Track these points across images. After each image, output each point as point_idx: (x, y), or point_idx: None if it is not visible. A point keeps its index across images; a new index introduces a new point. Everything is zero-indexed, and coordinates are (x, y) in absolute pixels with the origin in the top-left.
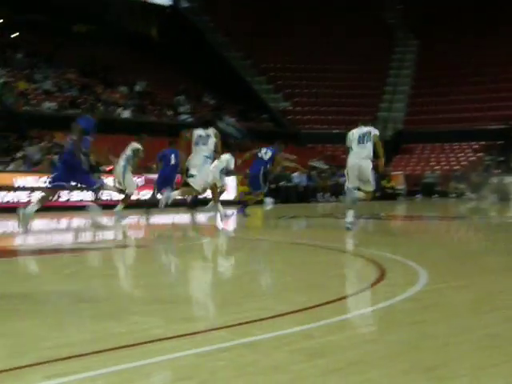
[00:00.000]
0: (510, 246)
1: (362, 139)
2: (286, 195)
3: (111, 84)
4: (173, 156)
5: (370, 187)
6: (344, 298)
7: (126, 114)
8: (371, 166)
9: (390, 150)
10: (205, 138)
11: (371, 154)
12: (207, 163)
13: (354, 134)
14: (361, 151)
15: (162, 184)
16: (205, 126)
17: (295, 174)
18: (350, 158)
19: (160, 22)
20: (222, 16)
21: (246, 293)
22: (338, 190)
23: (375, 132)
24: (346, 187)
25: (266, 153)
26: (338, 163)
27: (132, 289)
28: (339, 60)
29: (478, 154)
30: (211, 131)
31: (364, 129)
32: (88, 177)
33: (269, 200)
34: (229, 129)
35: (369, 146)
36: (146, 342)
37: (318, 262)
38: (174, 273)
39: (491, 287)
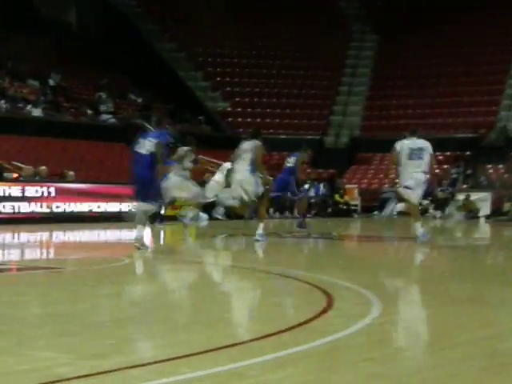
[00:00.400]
0: (476, 271)
1: (414, 155)
2: (226, 210)
3: (19, 76)
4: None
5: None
6: (283, 331)
7: (37, 112)
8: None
9: (343, 159)
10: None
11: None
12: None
13: (404, 146)
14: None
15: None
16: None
17: None
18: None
19: (79, 6)
20: (151, 0)
21: (170, 324)
22: (284, 206)
23: (430, 150)
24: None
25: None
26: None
27: (36, 318)
28: (287, 55)
29: (444, 166)
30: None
31: (418, 142)
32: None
33: (203, 216)
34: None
35: (423, 163)
36: (48, 383)
37: (255, 288)
38: (85, 300)
39: (452, 320)
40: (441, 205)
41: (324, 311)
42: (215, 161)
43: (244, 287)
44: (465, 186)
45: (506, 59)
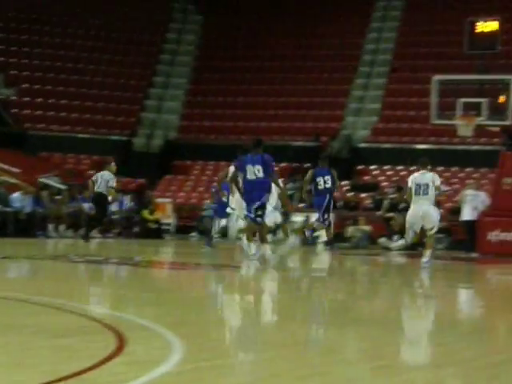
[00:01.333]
0: (307, 310)
1: (420, 189)
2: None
3: None
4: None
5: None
6: (54, 382)
7: None
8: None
9: (156, 167)
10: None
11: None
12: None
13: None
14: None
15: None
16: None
17: (15, 195)
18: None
19: None
20: None
21: None
22: (78, 221)
23: (438, 182)
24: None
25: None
26: (82, 181)
27: None
28: (90, 35)
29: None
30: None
31: (427, 176)
32: None
33: None
34: None
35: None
36: None
37: (25, 325)
38: None
39: (272, 366)
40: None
41: (110, 357)
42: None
43: (8, 325)
44: (302, 205)
45: (355, 55)
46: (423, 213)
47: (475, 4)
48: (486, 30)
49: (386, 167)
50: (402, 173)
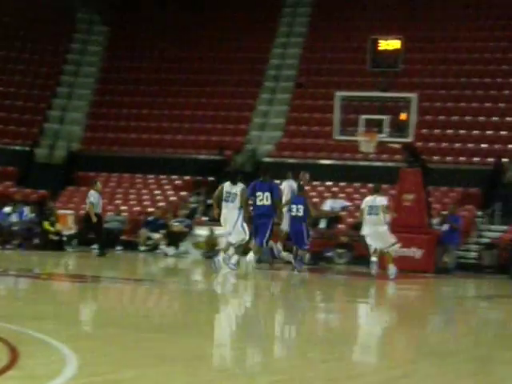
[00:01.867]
0: (208, 324)
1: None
2: None
3: None
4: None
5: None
6: None
7: None
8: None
9: (59, 178)
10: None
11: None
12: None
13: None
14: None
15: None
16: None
17: None
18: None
19: None
20: None
21: None
22: None
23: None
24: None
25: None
26: None
27: None
28: None
29: (181, 193)
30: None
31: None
32: None
33: None
34: None
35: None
36: None
37: None
38: None
39: (166, 381)
40: (175, 240)
41: (2, 371)
42: None
43: None
44: (205, 219)
45: (261, 69)
46: (374, 232)
47: (378, 22)
48: (389, 48)
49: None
50: (306, 188)
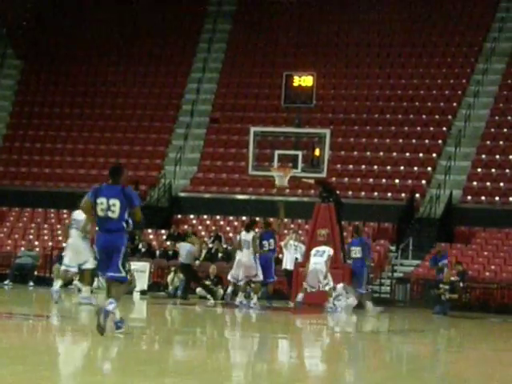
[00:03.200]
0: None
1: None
2: None
3: None
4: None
5: None
6: None
7: None
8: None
9: None
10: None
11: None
12: None
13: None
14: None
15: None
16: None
17: None
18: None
19: None
20: None
21: None
22: None
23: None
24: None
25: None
26: None
27: None
28: None
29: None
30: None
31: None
32: None
33: None
34: None
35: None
36: None
37: None
38: None
39: None
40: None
41: None
42: None
43: None
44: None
45: (176, 104)
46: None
47: (292, 58)
48: (302, 84)
49: (204, 216)
50: (221, 222)
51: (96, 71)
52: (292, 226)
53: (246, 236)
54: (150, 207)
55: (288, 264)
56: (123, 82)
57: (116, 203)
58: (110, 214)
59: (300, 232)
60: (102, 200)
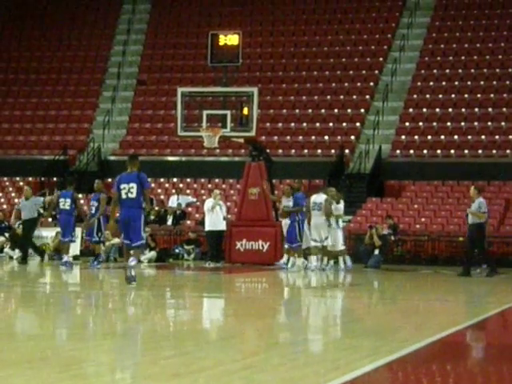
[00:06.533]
0: (50, 322)
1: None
2: None
3: None
4: None
5: None
6: None
7: None
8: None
9: None
10: None
11: None
12: None
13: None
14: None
15: None
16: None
17: None
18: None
19: None
20: None
21: None
22: None
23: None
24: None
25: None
26: None
27: None
28: None
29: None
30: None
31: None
32: None
33: None
34: None
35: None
36: None
37: None
38: None
39: None
40: (20, 243)
41: None
42: None
43: None
44: (50, 221)
45: (102, 67)
46: (316, 224)
47: (217, 18)
48: (228, 43)
49: None
50: (152, 185)
51: (19, 36)
52: (223, 186)
53: (316, 198)
54: (79, 172)
55: (218, 225)
56: (47, 47)
57: (134, 186)
58: (130, 195)
59: (231, 192)
60: (124, 186)
